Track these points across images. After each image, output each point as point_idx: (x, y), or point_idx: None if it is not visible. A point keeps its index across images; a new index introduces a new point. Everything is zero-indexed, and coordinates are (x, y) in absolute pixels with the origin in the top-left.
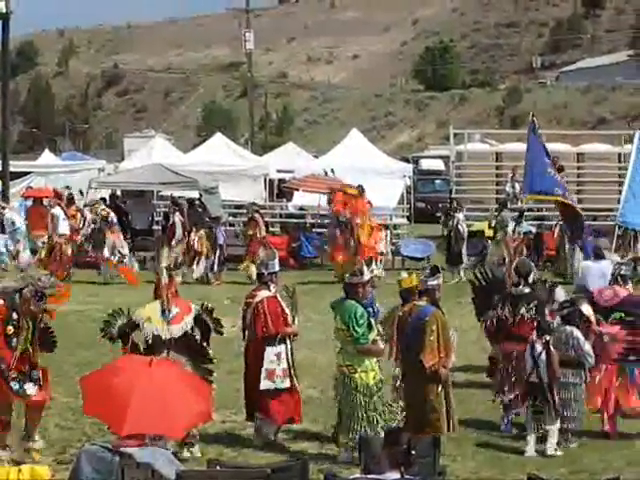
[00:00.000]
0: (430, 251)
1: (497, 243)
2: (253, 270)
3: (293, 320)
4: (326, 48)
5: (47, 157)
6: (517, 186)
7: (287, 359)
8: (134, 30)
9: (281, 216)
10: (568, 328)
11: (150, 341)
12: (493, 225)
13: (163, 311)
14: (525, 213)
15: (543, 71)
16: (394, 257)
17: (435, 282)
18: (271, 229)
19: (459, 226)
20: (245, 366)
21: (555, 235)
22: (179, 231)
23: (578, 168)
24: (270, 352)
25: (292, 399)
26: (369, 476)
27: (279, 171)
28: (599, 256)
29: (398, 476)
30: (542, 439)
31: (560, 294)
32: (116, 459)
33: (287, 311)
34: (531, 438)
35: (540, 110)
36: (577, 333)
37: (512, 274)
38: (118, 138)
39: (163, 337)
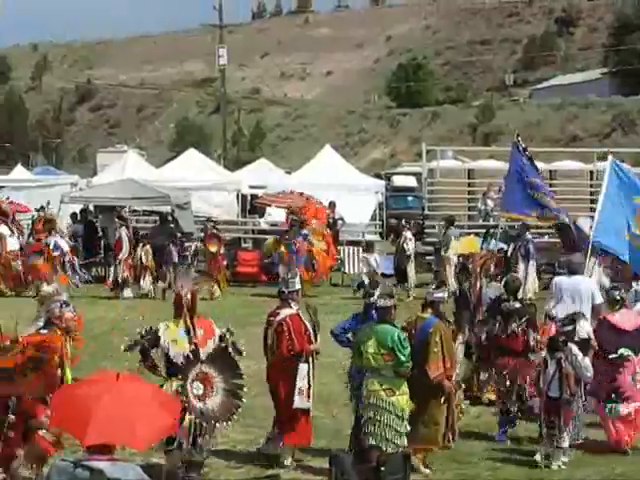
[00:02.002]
0: None
1: (443, 261)
2: (216, 288)
3: (315, 338)
4: (299, 64)
5: (19, 172)
6: (489, 203)
7: (309, 378)
8: (108, 45)
9: (253, 232)
10: (567, 345)
11: (177, 362)
12: (440, 243)
13: (187, 331)
14: (495, 230)
15: (516, 88)
16: None
17: (441, 294)
18: (244, 245)
19: (404, 245)
20: (270, 386)
21: (509, 253)
22: (126, 246)
23: (550, 185)
24: (302, 370)
25: (309, 420)
26: None
27: (252, 187)
28: (572, 271)
29: None
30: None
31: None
32: (86, 474)
33: (310, 328)
34: (542, 450)
35: (513, 127)
36: (575, 349)
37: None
38: (91, 153)
39: (192, 357)
